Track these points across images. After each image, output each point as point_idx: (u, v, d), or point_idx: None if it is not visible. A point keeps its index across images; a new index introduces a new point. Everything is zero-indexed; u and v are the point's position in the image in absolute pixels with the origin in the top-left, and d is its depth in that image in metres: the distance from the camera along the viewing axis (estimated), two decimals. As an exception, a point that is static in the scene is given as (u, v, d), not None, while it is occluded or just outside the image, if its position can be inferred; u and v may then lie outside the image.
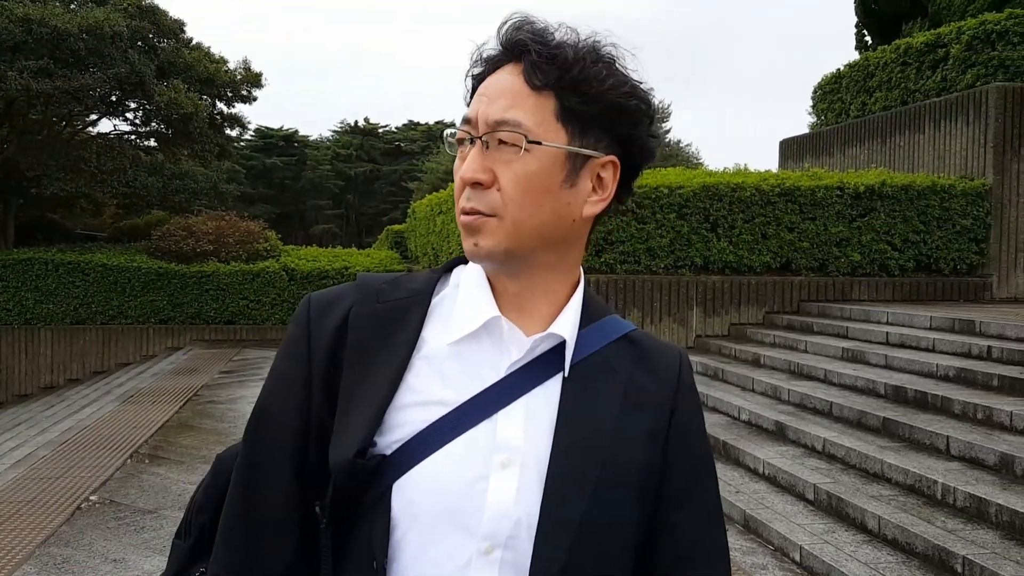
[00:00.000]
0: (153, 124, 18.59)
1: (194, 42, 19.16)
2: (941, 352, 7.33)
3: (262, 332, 15.00)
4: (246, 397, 9.53)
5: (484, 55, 1.03)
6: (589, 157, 1.01)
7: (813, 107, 16.12)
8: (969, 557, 3.99)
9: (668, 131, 49.66)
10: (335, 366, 1.01)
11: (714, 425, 7.01)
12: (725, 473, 6.03)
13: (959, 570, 4.02)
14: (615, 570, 0.99)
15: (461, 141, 1.02)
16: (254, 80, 19.38)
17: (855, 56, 16.87)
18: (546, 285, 1.03)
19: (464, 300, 1.04)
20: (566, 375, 1.00)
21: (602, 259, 9.94)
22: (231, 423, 8.21)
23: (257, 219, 18.05)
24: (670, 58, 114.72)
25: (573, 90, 0.98)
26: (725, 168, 11.55)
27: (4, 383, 14.39)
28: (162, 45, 17.92)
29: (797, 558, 4.56)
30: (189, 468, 6.48)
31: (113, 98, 17.40)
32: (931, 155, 11.76)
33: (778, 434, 6.54)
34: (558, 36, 1.00)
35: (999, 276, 10.85)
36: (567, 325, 1.01)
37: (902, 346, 7.82)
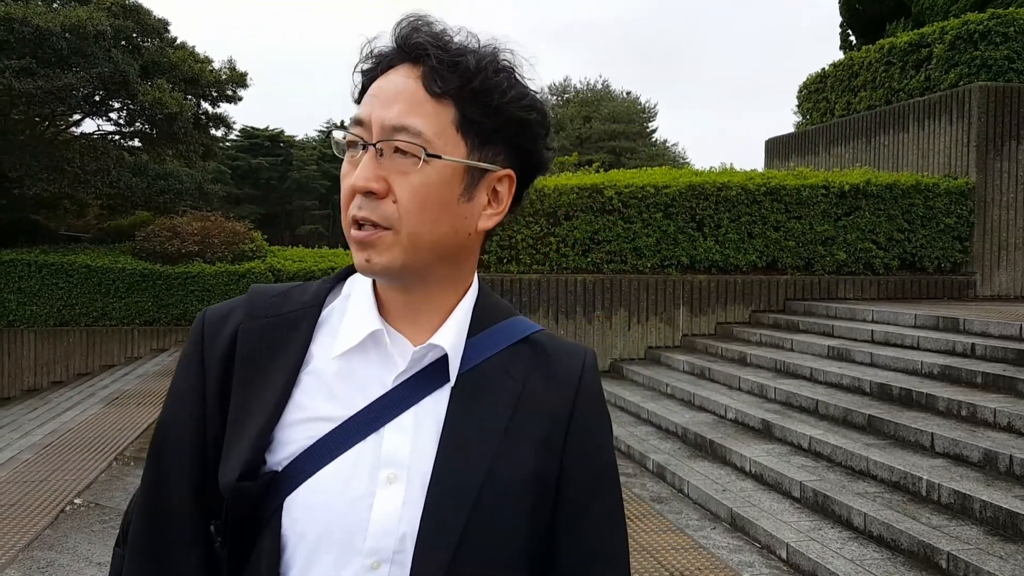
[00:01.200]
0: (137, 124, 18.43)
1: (178, 41, 19.04)
2: (925, 350, 7.37)
3: (248, 333, 14.94)
4: (232, 398, 9.50)
5: (375, 51, 0.99)
6: (487, 171, 0.97)
7: (798, 106, 16.20)
8: (954, 553, 4.01)
9: (654, 131, 49.88)
10: (227, 382, 1.00)
11: (701, 424, 7.03)
12: (712, 471, 6.05)
13: (944, 566, 4.05)
14: (505, 573, 0.96)
15: (352, 144, 0.96)
16: (239, 80, 19.27)
17: (840, 56, 16.96)
18: (439, 296, 1.01)
19: (351, 312, 1.01)
20: (452, 384, 0.98)
21: (589, 258, 9.95)
22: (217, 424, 8.17)
23: (243, 220, 17.95)
24: (656, 58, 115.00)
25: (474, 100, 0.94)
26: (711, 167, 11.60)
27: (-14, 386, 14.26)
28: (146, 44, 17.79)
29: (784, 555, 4.58)
30: (174, 470, 6.44)
31: (96, 98, 17.26)
32: (915, 154, 11.84)
33: (764, 432, 6.56)
34: (457, 40, 0.96)
35: (982, 274, 10.93)
36: (449, 335, 0.99)
37: (887, 344, 7.86)
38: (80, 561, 4.51)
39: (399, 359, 0.98)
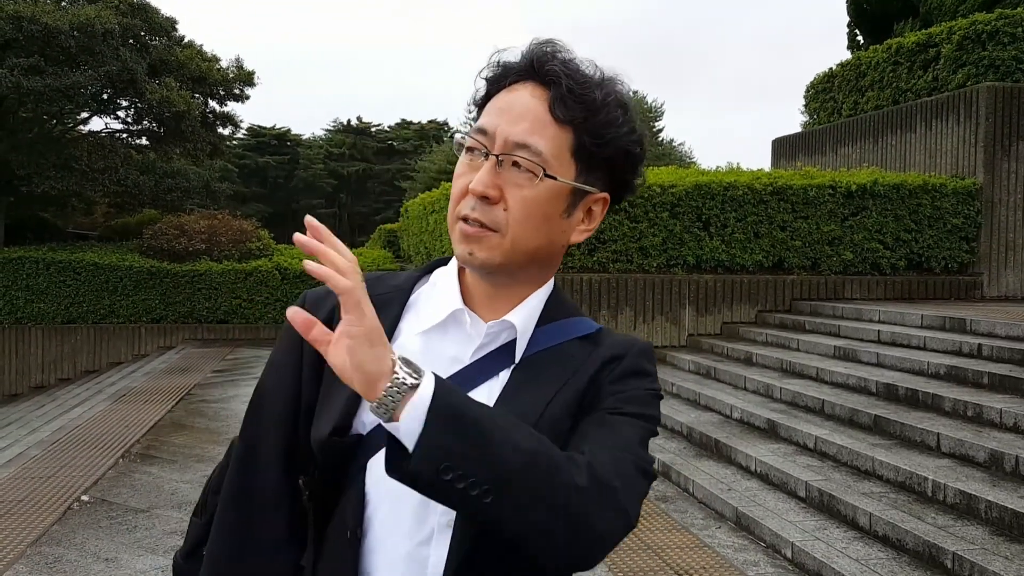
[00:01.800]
0: (145, 122, 18.49)
1: (186, 40, 19.09)
2: (932, 350, 7.36)
3: (255, 331, 14.97)
4: (239, 396, 9.51)
5: (503, 62, 1.08)
6: (588, 192, 1.09)
7: (806, 106, 16.16)
8: (959, 553, 4.01)
9: (661, 130, 49.80)
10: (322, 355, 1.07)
11: (706, 423, 7.03)
12: (717, 471, 6.05)
13: (949, 566, 4.05)
14: None
15: (472, 149, 1.07)
16: (246, 78, 19.31)
17: (847, 56, 16.91)
18: (519, 290, 1.11)
19: (436, 296, 1.13)
20: (516, 363, 1.08)
21: (595, 258, 9.95)
22: (224, 422, 8.20)
23: (250, 218, 17.99)
24: (662, 57, 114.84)
25: (592, 131, 1.05)
26: (718, 167, 11.61)
27: (-5, 382, 14.33)
28: (154, 43, 17.85)
29: (789, 555, 4.58)
30: (182, 467, 6.46)
31: (104, 96, 17.32)
32: (922, 154, 11.80)
33: (770, 432, 6.56)
34: (584, 71, 1.06)
35: (989, 274, 10.90)
36: (520, 316, 1.09)
37: (893, 344, 7.85)
38: (88, 557, 4.54)
39: (476, 337, 1.08)
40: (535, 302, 1.12)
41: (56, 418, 9.40)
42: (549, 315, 1.13)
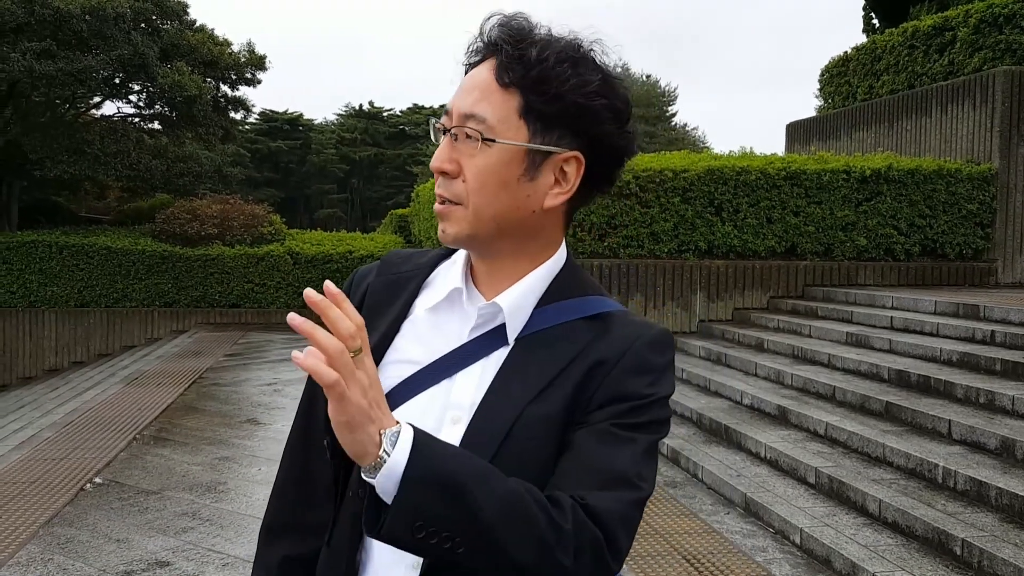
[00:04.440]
0: (157, 106, 18.52)
1: (197, 24, 19.08)
2: (945, 337, 7.31)
3: (267, 316, 15.02)
4: (251, 380, 9.56)
5: (472, 47, 1.11)
6: (550, 153, 1.07)
7: (820, 90, 16.03)
8: (968, 540, 3.99)
9: (674, 115, 49.55)
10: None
11: (716, 409, 7.02)
12: (727, 457, 6.04)
13: (958, 552, 4.03)
14: None
15: (440, 130, 1.11)
16: (258, 63, 19.28)
17: (862, 39, 16.74)
18: (512, 266, 1.12)
19: (445, 275, 1.17)
20: (509, 343, 1.09)
21: (605, 243, 9.92)
22: (235, 405, 8.24)
23: (262, 203, 18.01)
24: (676, 41, 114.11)
25: (534, 89, 1.04)
26: (731, 152, 11.50)
27: (8, 366, 14.45)
28: (165, 27, 17.83)
29: (797, 540, 4.57)
30: (193, 449, 6.51)
31: (116, 80, 17.35)
32: (937, 139, 11.69)
33: (780, 418, 6.54)
34: (539, 35, 1.07)
35: (1004, 261, 10.81)
36: (510, 297, 1.10)
37: (906, 331, 7.80)
38: (99, 538, 4.57)
39: (473, 316, 1.11)
40: (532, 280, 1.11)
41: (69, 400, 9.48)
42: (557, 294, 1.12)
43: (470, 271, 1.15)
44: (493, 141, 1.05)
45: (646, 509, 5.14)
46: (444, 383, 1.08)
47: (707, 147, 44.55)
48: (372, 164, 50.25)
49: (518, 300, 1.10)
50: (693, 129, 52.21)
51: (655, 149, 25.35)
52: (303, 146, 48.43)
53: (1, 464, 6.10)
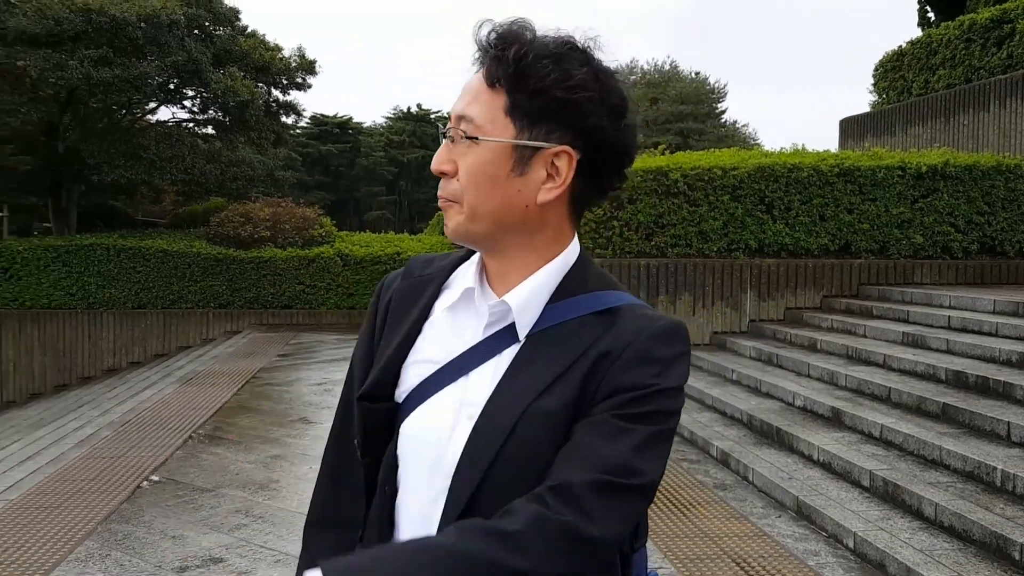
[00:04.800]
0: (210, 112, 18.85)
1: (249, 30, 19.39)
2: (1004, 337, 7.11)
3: (317, 316, 15.21)
4: (302, 380, 9.70)
5: (474, 55, 1.15)
6: (538, 148, 1.09)
7: (874, 85, 15.73)
8: (1031, 546, 3.87)
9: (724, 111, 48.98)
10: (385, 327, 1.24)
11: (767, 411, 6.91)
12: (778, 459, 5.95)
13: (1016, 557, 3.91)
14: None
15: (443, 134, 1.16)
16: (308, 67, 19.52)
17: (918, 33, 16.36)
18: (522, 263, 1.14)
19: (462, 276, 1.20)
20: (520, 340, 1.12)
21: (653, 242, 9.85)
22: (288, 405, 8.36)
23: (313, 205, 18.25)
24: (726, 36, 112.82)
25: (517, 86, 1.08)
26: (781, 148, 11.33)
27: (69, 366, 14.85)
28: (218, 33, 18.17)
29: (851, 544, 4.48)
30: (247, 448, 6.62)
31: (171, 86, 17.70)
32: (996, 134, 11.37)
33: (834, 420, 6.42)
34: (525, 36, 1.09)
35: (1068, 258, 10.47)
36: (518, 295, 1.12)
37: (964, 330, 7.60)
38: (155, 535, 4.68)
39: (486, 314, 1.14)
40: (542, 278, 1.13)
41: (127, 400, 9.71)
42: (568, 290, 1.14)
43: (484, 271, 1.18)
44: (475, 139, 1.09)
45: (694, 511, 5.09)
46: (460, 381, 1.12)
47: (757, 144, 43.96)
48: (420, 166, 50.57)
49: (527, 297, 1.12)
50: (743, 126, 51.57)
51: (704, 146, 25.06)
52: (352, 149, 48.97)
53: (62, 462, 6.27)
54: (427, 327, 1.19)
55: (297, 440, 6.91)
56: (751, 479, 5.77)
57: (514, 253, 1.14)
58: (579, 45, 1.10)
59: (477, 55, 1.13)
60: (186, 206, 21.69)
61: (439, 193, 1.14)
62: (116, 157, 16.64)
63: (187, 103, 18.91)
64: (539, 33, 1.10)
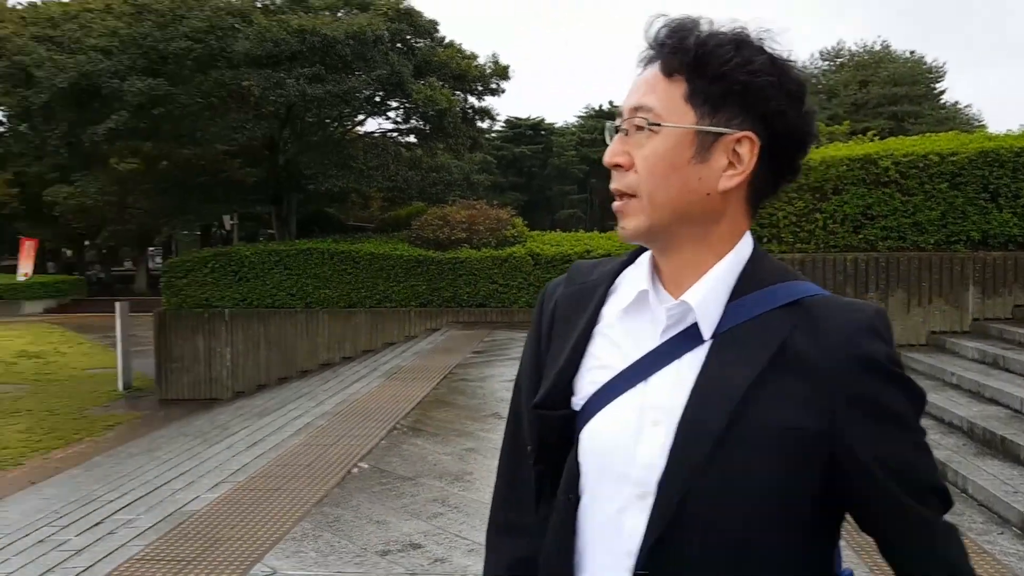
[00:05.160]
0: (412, 121, 19.81)
1: (447, 40, 20.18)
2: None
3: (510, 315, 15.58)
4: (495, 376, 9.97)
5: (642, 54, 1.14)
6: (720, 134, 1.07)
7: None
8: None
9: (942, 92, 45.29)
10: (552, 335, 1.23)
11: (990, 418, 6.32)
12: (1001, 471, 5.43)
13: None
14: (749, 522, 1.03)
15: (615, 129, 1.14)
16: (502, 73, 20.06)
17: None
18: (693, 258, 1.11)
19: (632, 279, 1.18)
20: (706, 340, 1.08)
21: (861, 235, 9.28)
22: (481, 400, 8.63)
23: (506, 206, 18.72)
24: (946, 12, 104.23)
25: (698, 72, 1.07)
26: (1008, 131, 10.33)
27: (290, 360, 16.11)
28: (418, 45, 19.04)
29: (1092, 569, 4.01)
30: (443, 440, 6.89)
31: (376, 98, 18.76)
32: None
33: (1071, 429, 5.76)
34: (701, 27, 1.09)
35: None
36: (698, 293, 1.09)
37: None
38: (362, 519, 4.97)
39: (663, 316, 1.11)
40: (719, 273, 1.10)
41: (338, 392, 10.40)
42: (747, 285, 1.10)
43: (656, 272, 1.16)
44: (659, 125, 1.07)
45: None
46: (639, 386, 1.10)
47: (981, 126, 40.24)
48: (612, 164, 50.52)
49: (707, 296, 1.09)
50: (966, 107, 47.47)
51: (920, 130, 23.25)
52: (545, 150, 49.73)
53: (282, 448, 6.83)
54: (598, 333, 1.17)
55: (489, 435, 7.11)
56: (970, 492, 5.30)
57: (689, 250, 1.11)
58: (753, 35, 1.09)
59: (646, 53, 1.12)
60: (391, 211, 22.93)
61: (613, 187, 1.11)
62: (329, 167, 17.87)
63: (391, 114, 19.97)
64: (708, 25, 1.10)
